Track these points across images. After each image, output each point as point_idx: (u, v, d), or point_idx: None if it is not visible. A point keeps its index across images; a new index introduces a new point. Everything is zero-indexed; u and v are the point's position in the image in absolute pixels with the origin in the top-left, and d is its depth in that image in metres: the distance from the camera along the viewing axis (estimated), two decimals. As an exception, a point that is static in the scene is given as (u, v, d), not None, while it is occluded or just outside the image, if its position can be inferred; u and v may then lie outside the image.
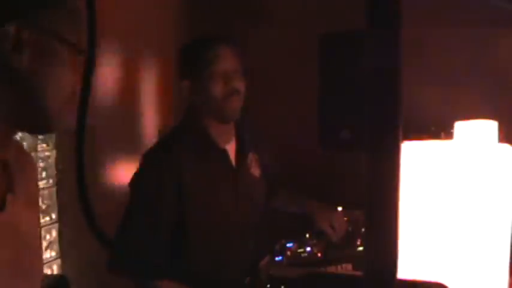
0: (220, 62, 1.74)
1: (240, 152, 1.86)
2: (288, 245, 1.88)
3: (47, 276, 2.12)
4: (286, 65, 3.17)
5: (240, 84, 1.76)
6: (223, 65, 1.74)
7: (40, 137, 2.22)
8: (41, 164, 2.23)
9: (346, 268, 1.83)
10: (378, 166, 0.57)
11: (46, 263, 2.24)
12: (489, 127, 1.24)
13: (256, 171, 1.92)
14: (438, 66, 2.88)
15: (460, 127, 1.25)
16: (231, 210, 1.80)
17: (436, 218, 1.11)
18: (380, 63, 0.56)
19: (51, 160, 2.27)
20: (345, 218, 2.07)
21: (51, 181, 2.27)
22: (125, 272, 1.69)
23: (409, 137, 0.91)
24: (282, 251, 1.86)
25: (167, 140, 1.83)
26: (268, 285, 1.67)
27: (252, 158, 1.91)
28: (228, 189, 1.80)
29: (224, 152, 1.81)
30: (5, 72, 0.74)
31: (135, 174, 1.74)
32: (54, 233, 2.29)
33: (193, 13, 3.13)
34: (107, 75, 2.41)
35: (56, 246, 2.29)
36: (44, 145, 2.25)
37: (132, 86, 2.66)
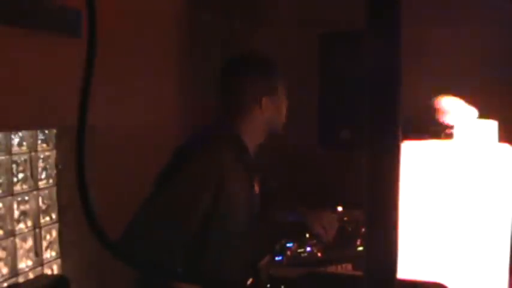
0: (284, 83, 1.94)
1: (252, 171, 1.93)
2: (288, 245, 1.88)
3: (47, 276, 2.12)
4: (286, 65, 3.17)
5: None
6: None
7: (40, 137, 2.22)
8: (41, 164, 2.23)
9: (346, 268, 1.84)
10: (378, 166, 0.57)
11: (46, 263, 2.24)
12: (489, 127, 1.24)
13: (257, 188, 1.97)
14: (438, 66, 2.88)
15: (460, 127, 1.25)
16: (247, 216, 1.82)
17: (436, 218, 1.11)
18: (380, 63, 0.56)
19: (51, 160, 2.27)
20: (345, 218, 2.07)
21: (51, 181, 2.27)
22: (133, 262, 1.65)
23: (409, 137, 0.91)
24: (282, 251, 1.86)
25: (212, 140, 1.82)
26: (268, 285, 1.67)
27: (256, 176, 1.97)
28: (246, 196, 1.83)
29: (252, 164, 1.88)
30: None
31: (183, 166, 1.71)
32: (54, 233, 2.29)
33: (193, 13, 3.13)
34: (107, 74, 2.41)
35: (56, 246, 2.29)
36: (44, 145, 2.25)
37: (134, 86, 2.66)
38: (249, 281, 1.75)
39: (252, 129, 1.87)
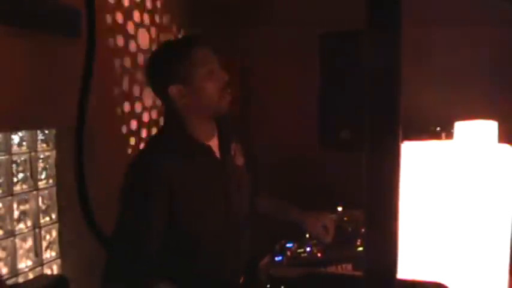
0: (208, 61, 1.76)
1: (224, 144, 1.88)
2: (288, 245, 1.88)
3: (47, 276, 2.12)
4: (286, 65, 3.17)
5: (226, 78, 1.78)
6: (210, 63, 1.77)
7: (40, 137, 2.22)
8: (41, 164, 2.23)
9: (346, 268, 1.84)
10: (378, 166, 0.57)
11: (46, 263, 2.24)
12: (489, 127, 1.24)
13: (240, 160, 1.94)
14: (438, 66, 2.88)
15: (460, 127, 1.26)
16: (222, 201, 1.80)
17: (436, 218, 1.11)
18: (380, 63, 0.56)
19: (51, 160, 2.27)
20: (345, 218, 2.07)
21: (51, 181, 2.27)
22: (123, 281, 1.67)
23: (409, 137, 0.91)
24: (282, 251, 1.86)
25: (153, 144, 1.84)
26: (268, 285, 1.67)
27: (234, 148, 1.92)
28: (216, 182, 1.80)
29: (209, 148, 1.82)
30: None
31: (126, 181, 1.71)
32: (54, 233, 2.29)
33: (193, 13, 3.13)
34: (106, 75, 2.41)
35: (56, 246, 2.29)
36: (44, 145, 2.25)
37: (133, 86, 2.67)
38: (241, 280, 1.75)
39: (182, 120, 1.77)
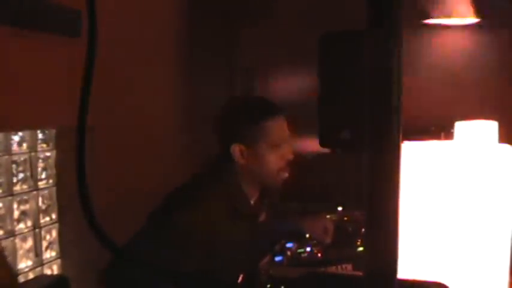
0: (280, 134, 1.77)
1: (259, 203, 1.89)
2: (288, 245, 1.89)
3: (47, 276, 2.12)
4: (286, 65, 3.17)
5: (292, 156, 1.80)
6: (282, 136, 1.77)
7: (40, 137, 2.22)
8: (41, 164, 2.23)
9: (346, 268, 1.84)
10: (378, 166, 0.57)
11: (46, 263, 2.24)
12: (489, 127, 1.24)
13: (263, 216, 1.95)
14: (438, 66, 2.88)
15: (460, 127, 1.26)
16: (244, 254, 1.79)
17: (436, 218, 1.11)
18: (380, 63, 0.56)
19: (51, 160, 2.27)
20: (345, 218, 2.07)
21: (51, 181, 2.27)
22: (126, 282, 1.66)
23: (409, 137, 0.91)
24: (282, 251, 1.86)
25: (203, 191, 1.78)
26: (268, 285, 1.67)
27: (264, 204, 1.94)
28: (244, 239, 1.79)
29: (253, 210, 1.84)
30: None
31: (171, 214, 1.69)
32: (54, 233, 2.29)
33: (193, 13, 3.13)
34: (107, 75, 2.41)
35: (56, 246, 2.29)
36: (44, 145, 2.25)
37: (133, 86, 2.66)
38: (240, 278, 1.75)
39: (235, 177, 1.78)
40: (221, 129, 1.82)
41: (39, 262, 2.20)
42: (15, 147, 2.09)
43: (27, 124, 2.04)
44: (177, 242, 1.66)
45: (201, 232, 1.66)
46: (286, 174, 1.80)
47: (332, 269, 1.81)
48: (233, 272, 1.77)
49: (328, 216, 2.04)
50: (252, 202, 1.83)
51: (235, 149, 1.75)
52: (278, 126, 1.77)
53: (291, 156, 1.79)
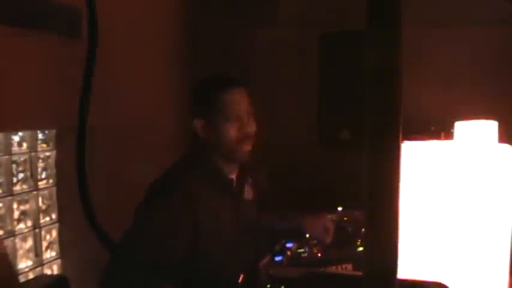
0: (235, 106, 1.77)
1: (241, 179, 1.91)
2: (288, 245, 1.89)
3: (47, 276, 2.12)
4: (286, 65, 3.17)
5: (252, 128, 1.80)
6: (238, 108, 1.78)
7: (40, 137, 2.22)
8: (41, 164, 2.23)
9: (346, 268, 1.84)
10: (378, 166, 0.57)
11: (46, 263, 2.24)
12: (489, 127, 1.24)
13: (250, 194, 1.97)
14: (438, 66, 2.88)
15: (460, 127, 1.26)
16: (232, 232, 1.82)
17: (436, 217, 1.11)
18: (380, 63, 0.56)
19: (51, 160, 2.27)
20: (345, 218, 2.07)
21: (51, 181, 2.27)
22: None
23: (409, 137, 0.91)
24: (282, 251, 1.86)
25: (181, 171, 1.83)
26: (268, 285, 1.67)
27: (248, 182, 1.96)
28: (230, 215, 1.83)
29: (231, 182, 1.86)
30: None
31: (152, 199, 1.73)
32: (54, 233, 2.29)
33: (193, 13, 3.13)
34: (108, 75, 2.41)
35: (56, 246, 2.29)
36: (44, 145, 2.25)
37: (133, 86, 2.66)
38: (240, 278, 1.75)
39: (207, 152, 1.81)
40: (189, 108, 1.86)
41: (39, 262, 2.20)
42: (15, 147, 2.09)
43: (27, 124, 2.04)
44: (163, 224, 1.67)
45: (183, 208, 1.68)
46: (249, 148, 1.81)
47: (332, 269, 1.81)
48: (232, 271, 1.78)
49: (328, 216, 2.04)
50: (230, 177, 1.85)
51: (197, 125, 1.80)
52: (233, 99, 1.78)
53: (250, 129, 1.79)
